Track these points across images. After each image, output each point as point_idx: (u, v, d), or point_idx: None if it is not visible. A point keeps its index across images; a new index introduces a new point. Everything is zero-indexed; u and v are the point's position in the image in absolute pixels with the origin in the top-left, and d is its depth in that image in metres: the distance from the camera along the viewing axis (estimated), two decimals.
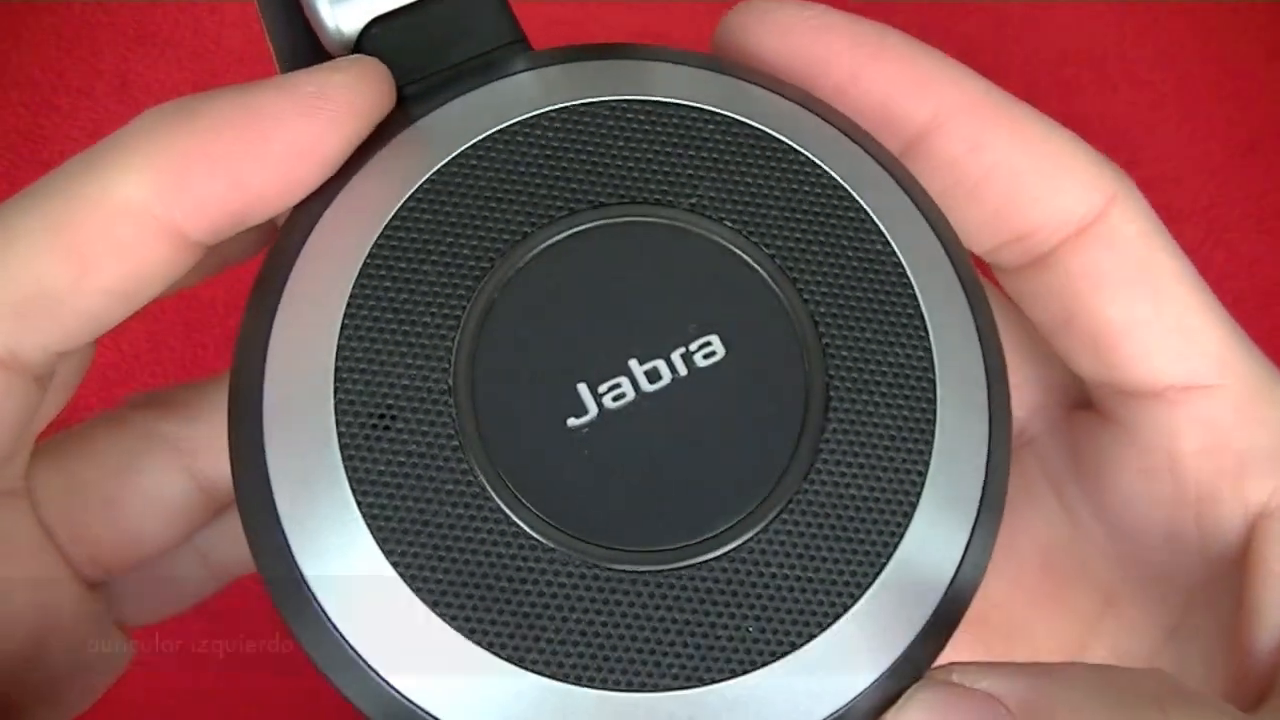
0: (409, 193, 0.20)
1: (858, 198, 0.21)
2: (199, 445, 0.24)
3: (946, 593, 0.19)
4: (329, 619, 0.19)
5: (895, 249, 0.21)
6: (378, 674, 0.18)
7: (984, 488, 0.20)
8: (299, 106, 0.20)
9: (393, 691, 0.18)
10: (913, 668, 0.19)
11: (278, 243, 0.21)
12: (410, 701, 0.18)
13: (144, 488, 0.23)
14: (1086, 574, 0.25)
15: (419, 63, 0.22)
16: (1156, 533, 0.23)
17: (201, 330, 0.39)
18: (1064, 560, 0.25)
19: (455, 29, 0.22)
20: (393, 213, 0.20)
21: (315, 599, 0.19)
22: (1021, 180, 0.22)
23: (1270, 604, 0.21)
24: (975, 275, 0.21)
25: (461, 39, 0.22)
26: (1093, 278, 0.22)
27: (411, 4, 0.22)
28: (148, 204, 0.19)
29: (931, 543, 0.19)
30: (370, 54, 0.22)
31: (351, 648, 0.19)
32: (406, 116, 0.21)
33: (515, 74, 0.21)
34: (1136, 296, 0.22)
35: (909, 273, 0.21)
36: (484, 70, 0.21)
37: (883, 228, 0.21)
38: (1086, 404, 0.25)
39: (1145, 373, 0.22)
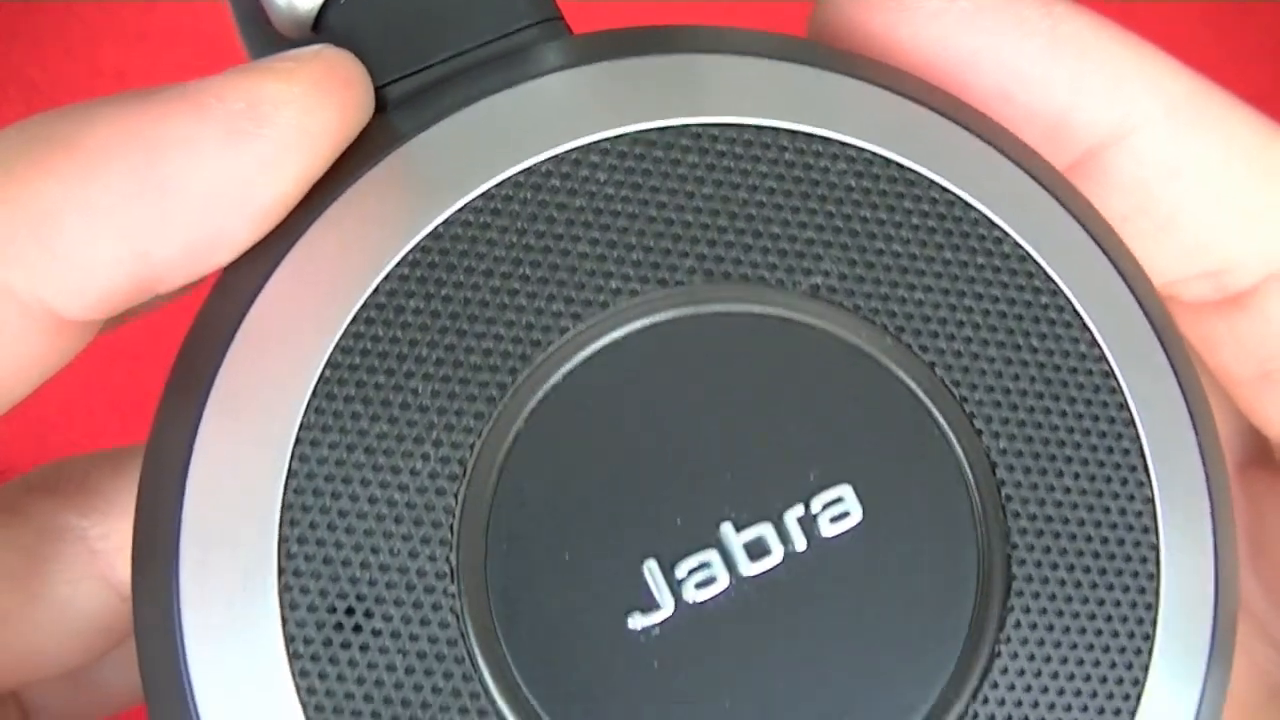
0: (391, 263, 0.14)
1: (1053, 274, 0.15)
2: (117, 543, 0.19)
3: None
4: None
5: (1105, 350, 0.15)
6: None
7: (1212, 644, 0.15)
8: (221, 132, 0.14)
9: None
10: None
11: (206, 311, 0.15)
12: None
13: (49, 601, 0.18)
14: (1249, 661, 0.21)
15: (408, 50, 0.16)
16: None
17: None
18: None
19: (458, 1, 0.16)
20: (366, 295, 0.14)
21: None
22: (1225, 209, 0.18)
23: None
24: (1197, 377, 0.16)
25: (469, 15, 0.16)
26: None
27: None
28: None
29: None
30: (337, 38, 0.16)
31: None
32: (391, 132, 0.15)
33: (548, 74, 0.15)
34: None
35: (1124, 387, 0.15)
36: (502, 65, 0.16)
37: (1089, 321, 0.15)
38: (1263, 461, 0.21)
39: None
